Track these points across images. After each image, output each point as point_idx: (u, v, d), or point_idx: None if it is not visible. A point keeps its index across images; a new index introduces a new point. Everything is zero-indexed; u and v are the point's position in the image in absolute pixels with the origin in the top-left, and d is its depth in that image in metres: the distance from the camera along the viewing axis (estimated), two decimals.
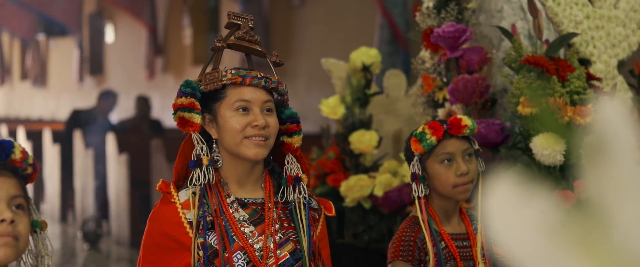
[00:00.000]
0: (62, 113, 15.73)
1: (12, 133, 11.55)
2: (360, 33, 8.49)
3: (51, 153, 10.34)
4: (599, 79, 3.34)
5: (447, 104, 3.45)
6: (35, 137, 11.05)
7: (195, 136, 2.25)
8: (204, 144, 2.26)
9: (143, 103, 10.10)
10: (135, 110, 10.25)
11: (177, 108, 2.25)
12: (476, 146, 2.62)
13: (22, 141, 10.92)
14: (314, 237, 2.32)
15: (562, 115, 3.01)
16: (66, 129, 10.20)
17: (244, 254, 2.23)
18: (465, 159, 2.57)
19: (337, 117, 4.33)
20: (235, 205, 2.28)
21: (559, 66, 3.16)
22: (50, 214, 10.52)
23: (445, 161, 2.56)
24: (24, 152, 1.84)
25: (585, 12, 3.45)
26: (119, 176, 8.64)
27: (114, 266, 8.03)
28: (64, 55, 17.70)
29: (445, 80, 3.52)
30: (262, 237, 2.26)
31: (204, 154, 2.24)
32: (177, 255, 2.23)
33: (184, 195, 2.27)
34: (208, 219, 2.23)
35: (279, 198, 2.33)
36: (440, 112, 3.44)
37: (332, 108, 4.32)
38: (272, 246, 2.25)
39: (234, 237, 2.24)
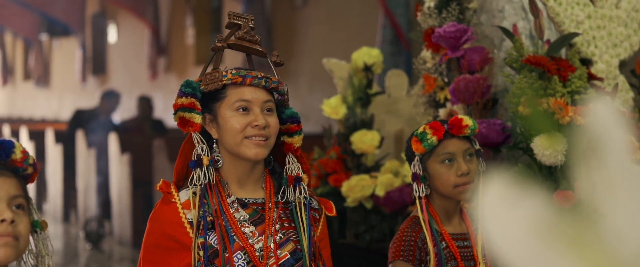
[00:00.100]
0: (65, 113, 15.75)
1: (15, 133, 11.56)
2: (362, 33, 8.48)
3: (54, 153, 10.35)
4: (600, 79, 3.34)
5: (448, 104, 3.45)
6: (38, 137, 11.06)
7: (196, 136, 2.25)
8: (204, 144, 2.26)
9: (145, 103, 10.10)
10: (137, 110, 10.25)
11: (178, 108, 2.25)
12: (477, 146, 2.62)
13: (25, 141, 10.93)
14: (314, 237, 2.32)
15: (563, 115, 3.00)
16: (69, 129, 10.21)
17: (244, 254, 2.23)
18: (466, 159, 2.57)
19: (338, 117, 4.33)
20: (235, 205, 2.29)
21: (560, 66, 3.15)
22: (53, 214, 10.53)
23: (446, 161, 2.56)
24: (24, 152, 1.85)
25: (586, 12, 3.45)
26: (121, 175, 8.64)
27: (116, 266, 8.04)
28: (66, 55, 17.72)
29: (446, 80, 3.52)
30: (263, 237, 2.26)
31: (204, 154, 2.24)
32: (178, 255, 2.24)
33: (184, 195, 2.28)
34: (208, 219, 2.24)
35: (279, 198, 2.33)
36: (442, 112, 3.44)
37: (333, 108, 4.33)
38: (272, 246, 2.26)
39: (235, 237, 2.24)
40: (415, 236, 2.56)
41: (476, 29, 3.50)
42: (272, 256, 2.24)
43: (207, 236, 2.23)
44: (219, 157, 2.29)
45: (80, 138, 9.66)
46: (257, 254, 2.24)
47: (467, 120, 2.55)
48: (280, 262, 2.25)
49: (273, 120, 2.28)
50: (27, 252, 1.86)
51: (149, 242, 2.29)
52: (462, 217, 2.66)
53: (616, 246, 0.62)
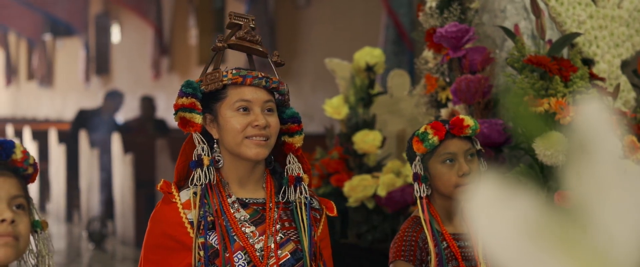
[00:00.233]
0: (69, 113, 15.76)
1: (19, 133, 11.59)
2: (365, 33, 8.48)
3: (57, 153, 10.37)
4: (602, 79, 3.33)
5: (449, 104, 3.44)
6: (41, 137, 11.08)
7: (196, 136, 2.26)
8: (205, 144, 2.26)
9: (147, 103, 10.11)
10: (140, 110, 10.26)
11: (178, 108, 2.25)
12: (478, 146, 2.62)
13: (28, 141, 10.95)
14: (315, 237, 2.32)
15: (565, 115, 3.00)
16: (72, 128, 10.22)
17: (244, 254, 2.23)
18: (467, 159, 2.57)
19: (340, 117, 4.34)
20: (236, 205, 2.29)
21: (562, 66, 3.15)
22: (56, 214, 10.54)
23: (447, 161, 2.56)
24: (24, 152, 1.85)
25: (588, 12, 3.45)
26: (124, 175, 8.65)
27: (119, 265, 8.04)
28: (70, 55, 17.74)
29: (448, 80, 3.52)
30: (263, 237, 2.26)
31: (205, 154, 2.25)
32: (178, 255, 2.24)
33: (185, 195, 2.28)
34: (209, 219, 2.24)
35: (280, 198, 2.33)
36: (443, 112, 3.44)
37: (335, 108, 4.33)
38: (273, 246, 2.26)
39: (235, 237, 2.24)
40: (416, 236, 2.56)
41: (478, 29, 3.50)
42: (272, 256, 2.25)
43: (208, 236, 2.23)
44: (219, 157, 2.29)
45: (83, 138, 9.67)
46: (258, 254, 2.24)
47: (469, 121, 2.55)
48: (280, 263, 2.25)
49: (273, 120, 2.28)
50: (27, 252, 1.86)
51: (150, 242, 2.29)
52: (463, 217, 2.66)
53: (605, 245, 0.62)
